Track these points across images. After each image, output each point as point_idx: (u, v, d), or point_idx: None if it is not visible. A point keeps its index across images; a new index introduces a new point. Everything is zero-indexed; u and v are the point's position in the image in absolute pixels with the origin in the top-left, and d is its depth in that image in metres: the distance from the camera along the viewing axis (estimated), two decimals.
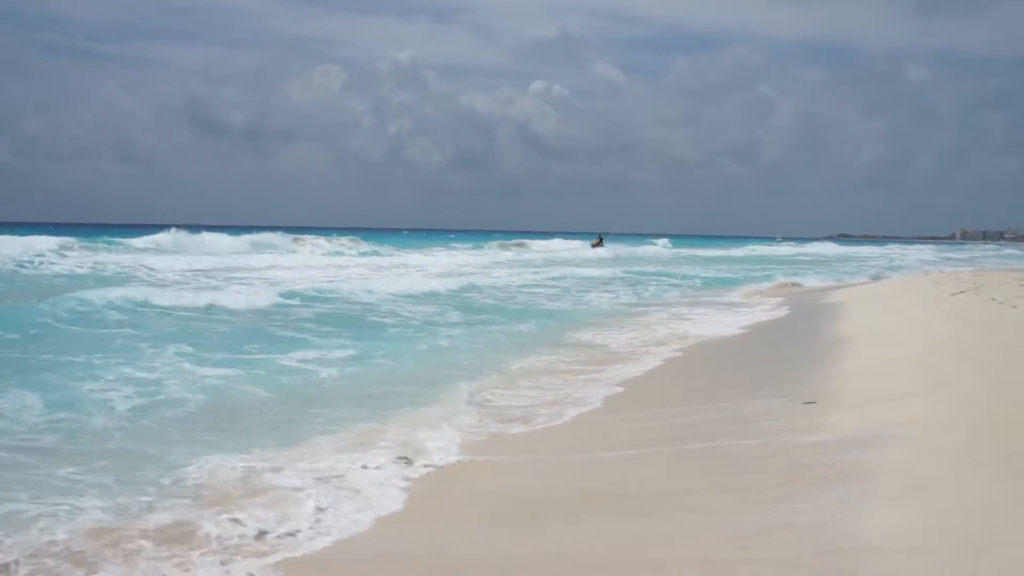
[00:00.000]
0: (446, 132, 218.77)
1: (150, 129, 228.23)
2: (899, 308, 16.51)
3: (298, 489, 6.44)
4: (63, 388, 9.70)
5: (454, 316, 18.38)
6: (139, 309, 16.51)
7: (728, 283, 31.94)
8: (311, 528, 5.77)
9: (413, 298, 21.19)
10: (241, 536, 5.59)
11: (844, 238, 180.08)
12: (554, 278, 30.65)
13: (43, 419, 8.39)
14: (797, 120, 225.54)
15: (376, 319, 17.60)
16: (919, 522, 4.84)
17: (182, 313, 16.66)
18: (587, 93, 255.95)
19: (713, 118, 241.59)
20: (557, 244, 69.61)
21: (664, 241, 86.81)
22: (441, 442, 7.84)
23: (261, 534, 5.63)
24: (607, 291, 26.89)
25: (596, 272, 34.99)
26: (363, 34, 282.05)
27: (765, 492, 5.83)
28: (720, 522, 5.38)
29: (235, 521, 5.78)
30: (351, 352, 13.03)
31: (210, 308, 17.29)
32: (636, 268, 38.86)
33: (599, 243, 66.70)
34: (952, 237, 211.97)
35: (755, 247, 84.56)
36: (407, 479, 6.86)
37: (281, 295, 19.81)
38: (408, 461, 7.27)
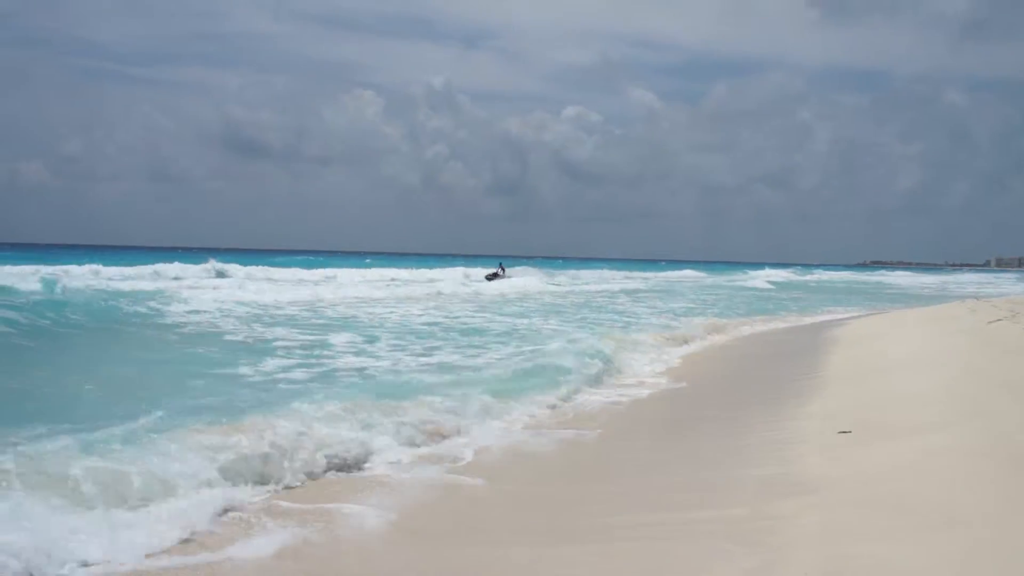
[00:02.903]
0: (481, 157, 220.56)
1: (185, 152, 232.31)
2: (935, 335, 16.31)
3: None
4: None
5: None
6: None
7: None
8: None
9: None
10: None
11: (877, 265, 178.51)
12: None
13: None
14: (831, 146, 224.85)
15: None
16: (955, 555, 4.75)
17: None
18: (620, 119, 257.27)
19: (747, 144, 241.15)
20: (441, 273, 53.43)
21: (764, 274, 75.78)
22: None
23: None
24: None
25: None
26: (394, 59, 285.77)
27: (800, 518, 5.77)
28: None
29: None
30: None
31: None
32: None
33: (495, 275, 51.96)
34: (987, 264, 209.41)
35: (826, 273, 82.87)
36: None
37: None
38: None
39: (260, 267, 51.42)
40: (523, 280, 49.02)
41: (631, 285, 52.87)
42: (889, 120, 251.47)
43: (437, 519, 6.66)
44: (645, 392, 12.77)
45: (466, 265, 67.18)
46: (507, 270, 53.92)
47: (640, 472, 8.17)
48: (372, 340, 17.57)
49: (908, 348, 15.26)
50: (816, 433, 8.64)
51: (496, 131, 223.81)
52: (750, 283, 59.11)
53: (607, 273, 70.30)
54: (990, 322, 16.46)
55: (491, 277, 51.19)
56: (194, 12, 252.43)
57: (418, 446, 8.85)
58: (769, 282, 60.98)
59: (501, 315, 25.38)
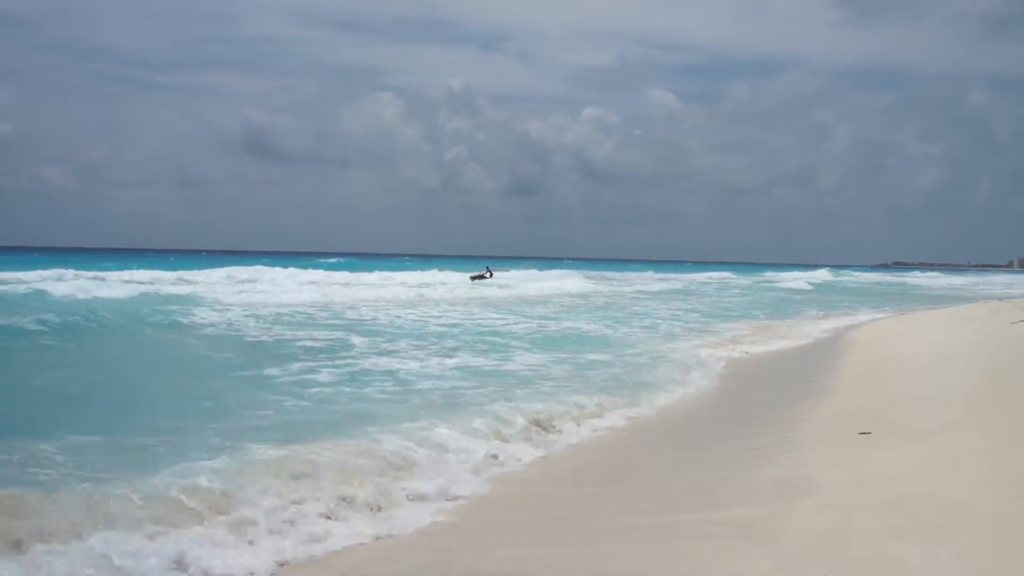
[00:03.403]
0: (500, 159, 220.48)
1: (206, 156, 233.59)
2: (958, 337, 16.25)
3: None
4: None
5: None
6: None
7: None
8: None
9: None
10: None
11: (898, 266, 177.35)
12: None
13: None
14: (852, 146, 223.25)
15: None
16: (976, 557, 4.72)
17: None
18: (639, 120, 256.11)
19: (767, 144, 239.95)
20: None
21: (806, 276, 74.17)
22: None
23: None
24: None
25: None
26: (413, 62, 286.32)
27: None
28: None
29: None
30: None
31: None
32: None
33: (481, 276, 51.95)
34: (1009, 265, 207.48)
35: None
36: None
37: None
38: None
39: (305, 269, 50.22)
40: (562, 282, 49.17)
41: (667, 286, 52.51)
42: (910, 120, 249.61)
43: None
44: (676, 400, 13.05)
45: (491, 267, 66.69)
46: (493, 273, 53.77)
47: (659, 475, 8.38)
48: (527, 348, 17.59)
49: (930, 349, 15.24)
50: (836, 433, 8.65)
51: (515, 133, 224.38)
52: (790, 284, 58.71)
53: (640, 274, 69.15)
54: (1013, 323, 16.56)
55: (476, 278, 51.11)
56: (214, 18, 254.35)
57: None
58: (809, 283, 60.94)
59: (586, 320, 25.25)
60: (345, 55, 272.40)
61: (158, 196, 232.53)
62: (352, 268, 59.58)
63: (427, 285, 43.79)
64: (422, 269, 58.15)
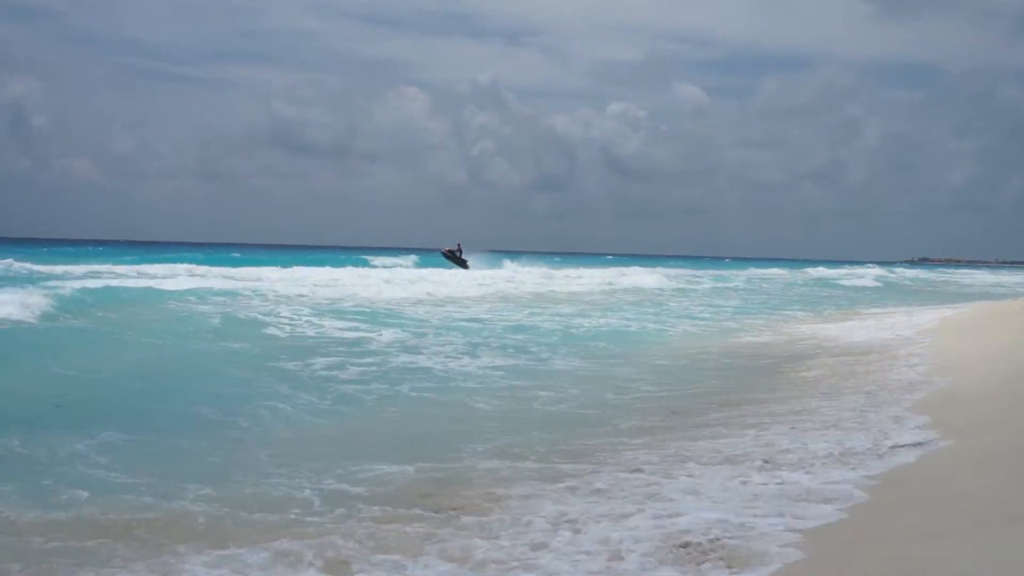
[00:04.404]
0: (526, 153, 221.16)
1: (233, 149, 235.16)
2: (987, 335, 16.36)
3: None
4: None
5: None
6: None
7: None
8: None
9: None
10: None
11: (925, 262, 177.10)
12: None
13: None
14: (881, 142, 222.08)
15: None
16: (1015, 554, 4.76)
17: None
18: (666, 114, 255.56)
19: (796, 140, 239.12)
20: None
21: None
22: None
23: None
24: None
25: None
26: (439, 56, 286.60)
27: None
28: None
29: None
30: None
31: None
32: None
33: (452, 252, 50.86)
34: None
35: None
36: None
37: None
38: None
39: (356, 268, 48.65)
40: (638, 279, 47.22)
41: (730, 284, 50.82)
42: (941, 115, 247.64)
43: None
44: None
45: (513, 261, 63.09)
46: (463, 249, 51.76)
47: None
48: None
49: (961, 347, 15.27)
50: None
51: (541, 127, 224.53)
52: (857, 282, 57.54)
53: (685, 271, 65.60)
54: None
55: (448, 255, 50.32)
56: (239, 10, 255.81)
57: None
58: (876, 279, 61.61)
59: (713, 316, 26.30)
60: (371, 48, 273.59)
61: (184, 188, 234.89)
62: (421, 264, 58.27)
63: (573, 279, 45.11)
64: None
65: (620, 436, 9.04)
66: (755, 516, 5.99)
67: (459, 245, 53.06)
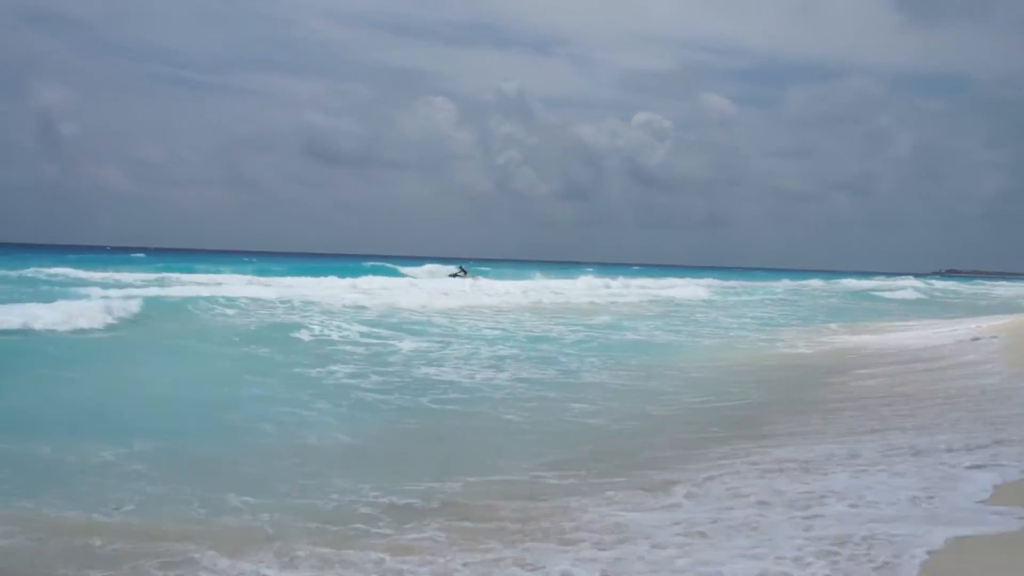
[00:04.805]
0: (552, 163, 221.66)
1: (260, 157, 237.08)
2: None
3: None
4: None
5: None
6: None
7: None
8: None
9: None
10: None
11: (953, 274, 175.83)
12: None
13: None
14: (911, 152, 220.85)
15: None
16: None
17: None
18: (692, 124, 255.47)
19: (824, 150, 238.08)
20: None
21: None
22: None
23: None
24: None
25: None
26: (465, 66, 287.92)
27: None
28: None
29: None
30: None
31: None
32: None
33: (456, 275, 53.29)
34: None
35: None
36: None
37: None
38: None
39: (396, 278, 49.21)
40: (689, 291, 48.60)
41: (772, 296, 51.88)
42: (971, 125, 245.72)
43: None
44: None
45: (543, 271, 66.89)
46: (467, 272, 54.59)
47: None
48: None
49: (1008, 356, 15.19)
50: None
51: (567, 137, 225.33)
52: (899, 295, 57.79)
53: (718, 282, 66.15)
54: None
55: (454, 276, 53.05)
56: (267, 20, 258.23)
57: None
58: (916, 290, 61.95)
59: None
60: (397, 58, 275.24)
61: (211, 197, 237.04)
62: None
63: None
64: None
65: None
66: None
67: (461, 267, 57.61)
